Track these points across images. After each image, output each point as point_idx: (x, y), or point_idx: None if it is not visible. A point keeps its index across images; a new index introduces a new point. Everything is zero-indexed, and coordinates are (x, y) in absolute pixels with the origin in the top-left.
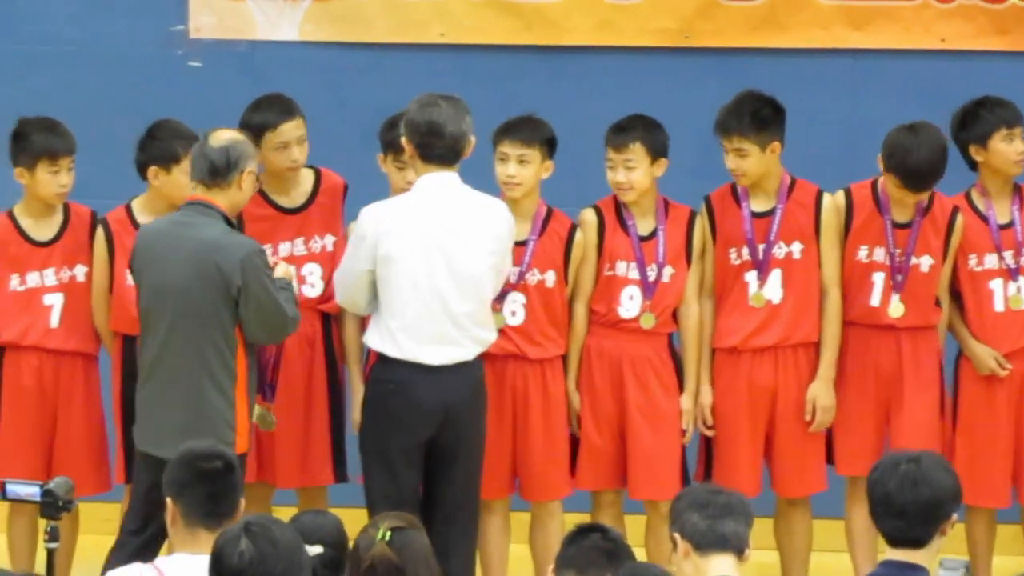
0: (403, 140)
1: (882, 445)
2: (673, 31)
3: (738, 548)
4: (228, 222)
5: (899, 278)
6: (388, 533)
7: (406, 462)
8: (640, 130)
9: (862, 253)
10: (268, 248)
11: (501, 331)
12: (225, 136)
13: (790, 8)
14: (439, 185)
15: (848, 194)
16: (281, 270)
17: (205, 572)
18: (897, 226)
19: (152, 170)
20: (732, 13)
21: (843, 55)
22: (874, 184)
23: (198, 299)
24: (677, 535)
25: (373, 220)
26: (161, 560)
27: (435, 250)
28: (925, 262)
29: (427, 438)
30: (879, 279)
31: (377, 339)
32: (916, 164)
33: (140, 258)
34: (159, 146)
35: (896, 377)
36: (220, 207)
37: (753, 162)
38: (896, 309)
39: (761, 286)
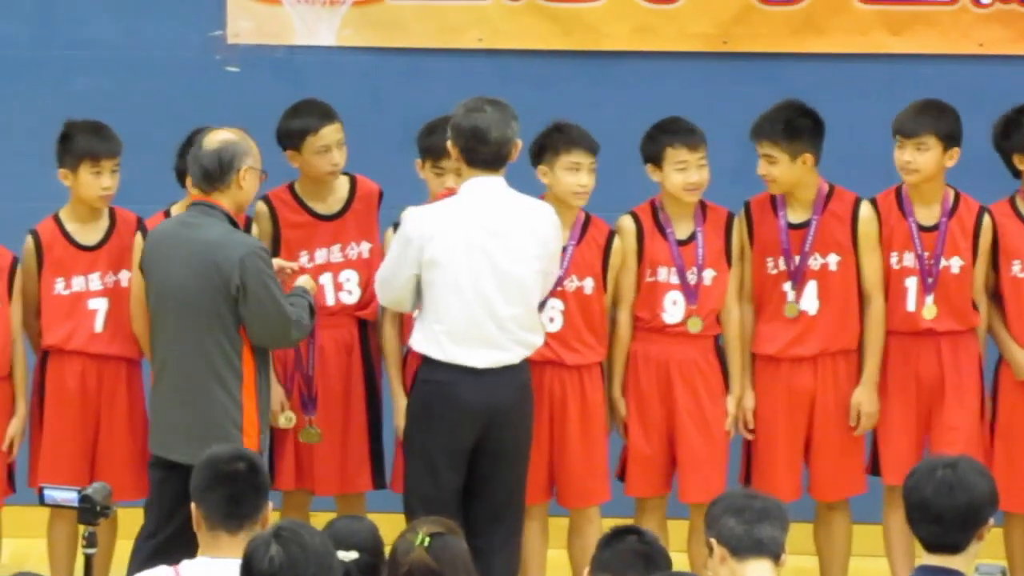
0: (449, 144)
1: (923, 452)
2: (711, 36)
3: (774, 553)
4: (232, 222)
5: (930, 281)
6: (427, 539)
7: (448, 464)
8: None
9: (892, 259)
10: (304, 255)
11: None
12: (217, 138)
13: (828, 13)
14: (484, 189)
15: (874, 204)
16: (302, 280)
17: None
18: (923, 229)
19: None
20: (770, 18)
21: (881, 60)
22: (898, 190)
23: (199, 299)
24: (713, 540)
25: (418, 224)
26: (184, 564)
27: (480, 254)
28: (955, 263)
29: (472, 440)
30: (912, 284)
31: (422, 341)
32: None
33: (148, 260)
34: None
35: (937, 384)
36: (223, 207)
37: (782, 170)
38: (929, 311)
39: (796, 297)
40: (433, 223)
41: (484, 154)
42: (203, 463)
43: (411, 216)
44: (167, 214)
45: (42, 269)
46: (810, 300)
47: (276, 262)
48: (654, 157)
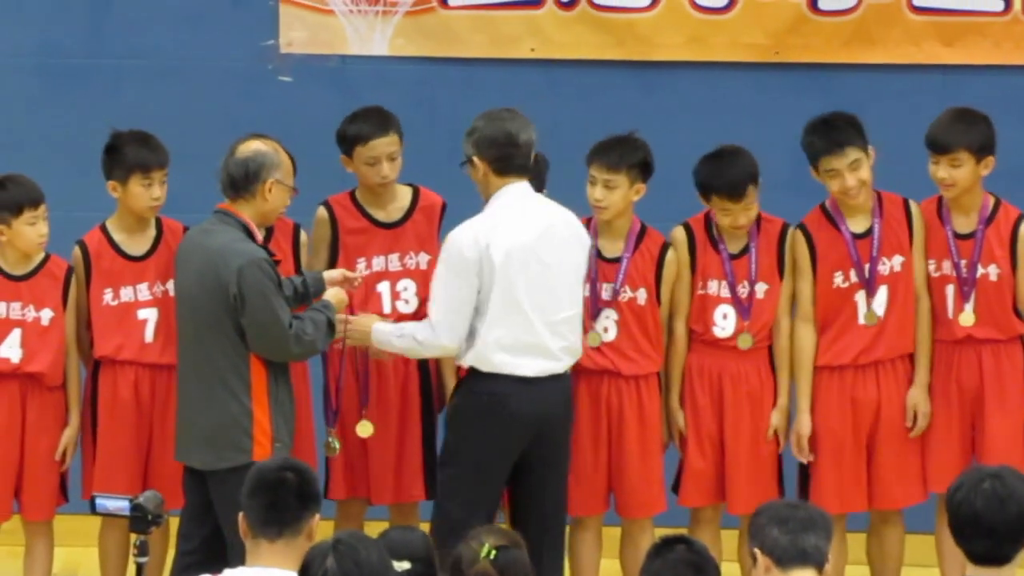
0: (474, 159)
1: (970, 461)
2: (763, 46)
3: (819, 563)
4: (248, 232)
5: (967, 289)
6: (493, 551)
7: (496, 475)
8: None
9: (931, 267)
10: (361, 261)
11: (596, 348)
12: (250, 147)
13: (880, 24)
14: (524, 196)
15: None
16: (330, 293)
17: None
18: (960, 237)
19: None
20: (822, 28)
21: (933, 71)
22: (939, 198)
23: (205, 307)
24: (757, 550)
25: (471, 242)
26: (225, 572)
27: (534, 260)
28: (993, 271)
29: (520, 451)
30: (950, 291)
31: (471, 354)
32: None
33: (175, 267)
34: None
35: (978, 393)
36: (242, 216)
37: (867, 171)
38: (967, 318)
39: (871, 304)
40: (484, 236)
41: (518, 159)
42: (252, 471)
43: (460, 237)
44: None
45: (90, 280)
46: (881, 304)
47: (340, 272)
48: (701, 191)
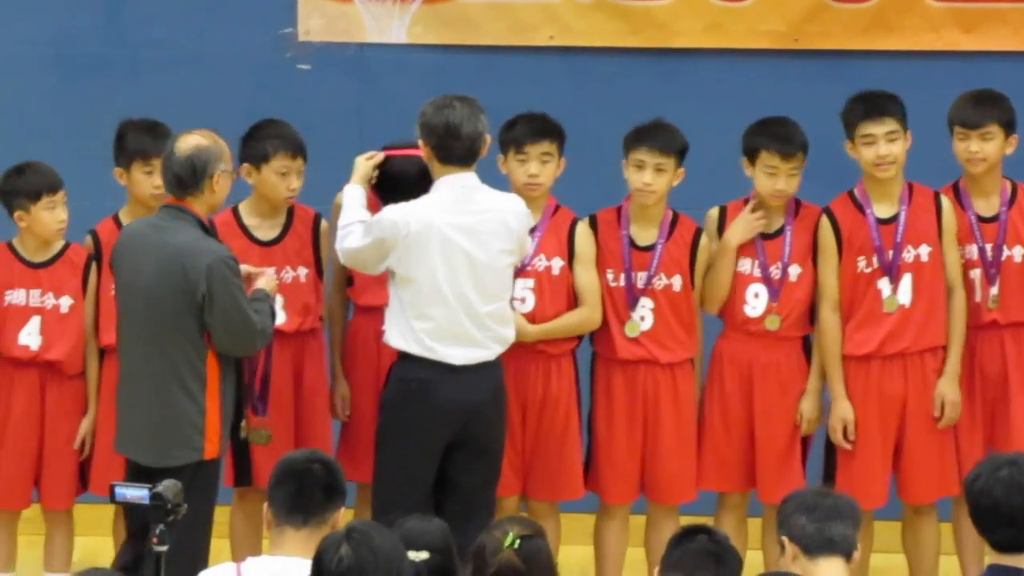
0: (420, 143)
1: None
2: (782, 33)
3: (846, 551)
4: (203, 227)
5: (992, 271)
6: (517, 540)
7: (424, 460)
8: (801, 140)
9: None
10: None
11: (635, 339)
12: (190, 143)
13: (899, 11)
14: (459, 186)
15: None
16: (263, 282)
17: (284, 572)
18: (983, 220)
19: (245, 167)
20: (841, 15)
21: (953, 57)
22: (955, 185)
23: (166, 304)
24: (785, 539)
25: (395, 222)
26: (248, 560)
27: (457, 251)
28: (1018, 252)
29: (448, 437)
30: (976, 275)
31: (399, 337)
32: None
33: (116, 259)
34: (250, 145)
35: (1001, 378)
36: (195, 211)
37: (902, 148)
38: (994, 301)
39: (894, 291)
40: (411, 222)
41: (458, 150)
42: (280, 461)
43: (389, 214)
44: (235, 211)
45: (101, 269)
46: (905, 293)
47: (244, 268)
48: (749, 154)
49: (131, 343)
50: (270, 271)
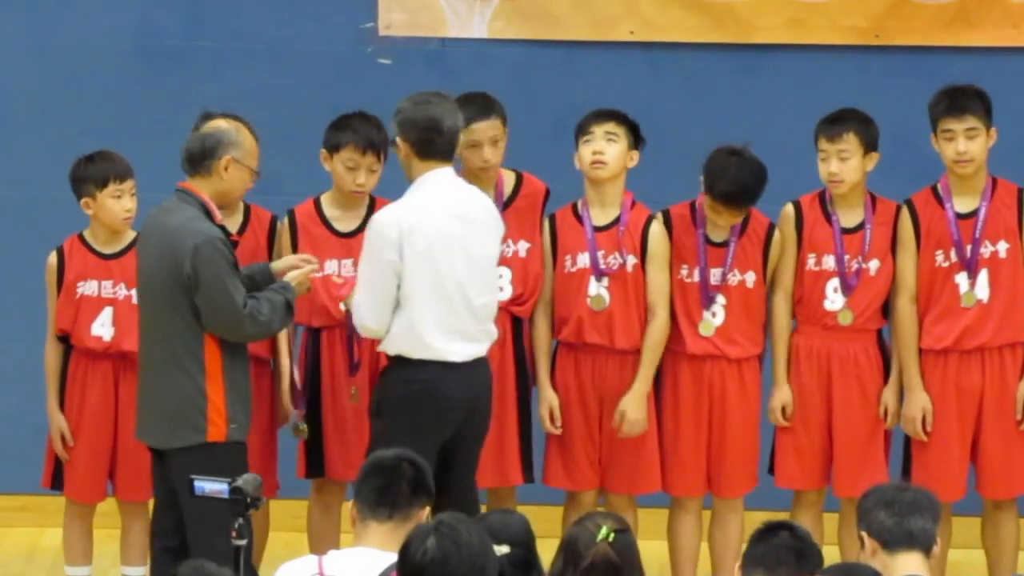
0: (397, 140)
1: None
2: (863, 29)
3: (926, 545)
4: (207, 210)
5: None
6: (612, 534)
7: (429, 461)
8: (855, 122)
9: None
10: None
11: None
12: (211, 124)
13: (981, 6)
14: (445, 181)
15: None
16: (293, 275)
17: (366, 564)
18: None
19: (322, 153)
20: (922, 11)
21: None
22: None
23: (161, 286)
24: (864, 533)
25: (392, 225)
26: (330, 553)
27: (455, 245)
28: None
29: (448, 434)
30: None
31: (401, 340)
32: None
33: (137, 244)
34: (330, 132)
35: None
36: (201, 195)
37: (982, 145)
38: None
39: (972, 286)
40: (407, 220)
41: (440, 144)
42: (370, 458)
43: (383, 218)
44: (316, 202)
45: None
46: (983, 289)
47: (296, 258)
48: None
49: (143, 328)
50: (313, 266)
